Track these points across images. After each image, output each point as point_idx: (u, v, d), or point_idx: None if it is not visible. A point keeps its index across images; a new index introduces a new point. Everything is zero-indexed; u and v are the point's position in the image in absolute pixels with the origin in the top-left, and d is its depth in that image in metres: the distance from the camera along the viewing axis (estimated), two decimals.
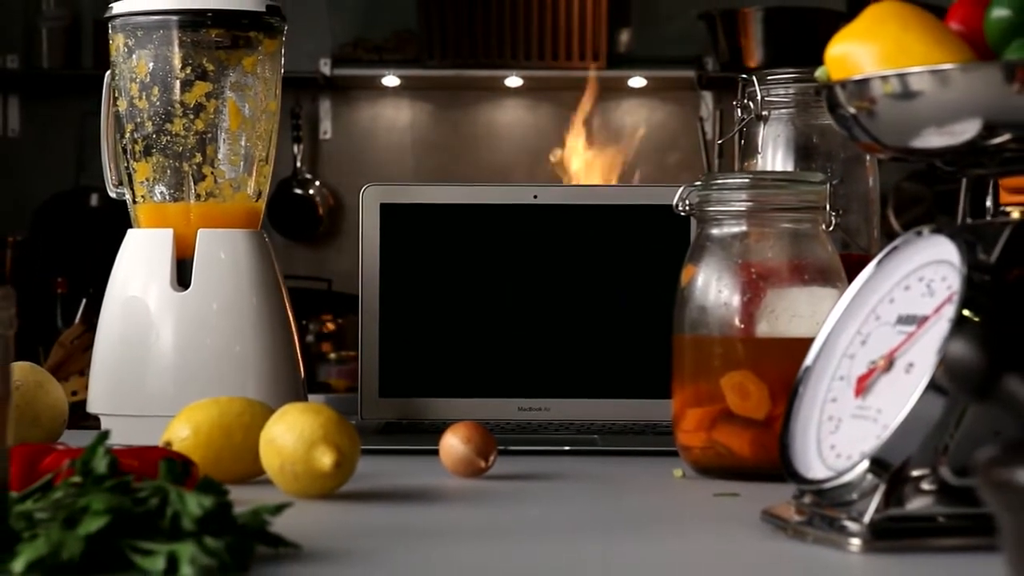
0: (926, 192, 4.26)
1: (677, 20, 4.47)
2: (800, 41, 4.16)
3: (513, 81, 4.44)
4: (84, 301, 3.15)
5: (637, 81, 4.47)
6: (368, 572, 0.91)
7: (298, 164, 4.46)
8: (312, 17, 4.35)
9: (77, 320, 3.14)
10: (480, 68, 4.37)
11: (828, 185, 1.32)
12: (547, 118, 4.54)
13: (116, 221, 4.61)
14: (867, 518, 0.96)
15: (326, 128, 4.54)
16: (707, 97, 4.45)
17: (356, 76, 4.45)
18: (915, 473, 0.96)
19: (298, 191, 4.46)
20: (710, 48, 4.38)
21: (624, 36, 4.53)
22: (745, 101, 1.52)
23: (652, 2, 4.53)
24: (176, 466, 0.93)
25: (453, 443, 1.28)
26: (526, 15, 4.34)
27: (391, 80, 4.45)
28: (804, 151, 1.52)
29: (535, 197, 1.66)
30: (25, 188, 4.38)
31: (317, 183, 4.52)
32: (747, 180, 1.32)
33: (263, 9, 1.52)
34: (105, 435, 0.96)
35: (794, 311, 1.29)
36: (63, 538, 0.86)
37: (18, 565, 0.85)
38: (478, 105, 4.56)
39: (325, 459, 1.15)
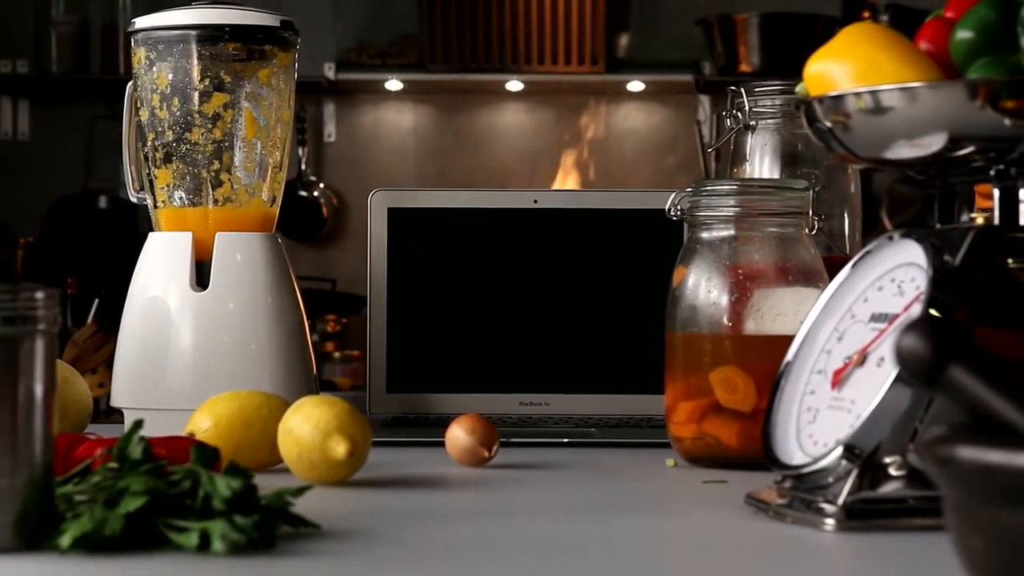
0: (918, 195, 4.34)
1: (675, 25, 4.54)
2: (796, 46, 4.23)
3: (514, 85, 4.52)
4: (96, 301, 3.23)
5: (636, 85, 4.55)
6: (381, 549, 0.99)
7: (303, 167, 4.54)
8: (316, 23, 4.42)
9: (89, 320, 3.21)
10: (481, 72, 4.44)
11: (811, 191, 1.40)
12: (547, 122, 4.62)
13: (123, 223, 4.69)
14: (841, 500, 1.04)
15: (330, 131, 4.62)
16: (704, 101, 4.52)
17: (359, 80, 4.52)
18: (885, 459, 1.04)
19: (303, 193, 4.54)
20: (707, 53, 4.45)
21: (623, 41, 4.61)
22: (734, 111, 1.60)
23: (650, 8, 4.60)
24: (206, 451, 1.01)
25: (458, 434, 1.36)
26: (526, 20, 4.41)
27: (394, 84, 4.52)
28: (789, 159, 1.60)
29: (535, 202, 1.74)
30: (35, 190, 4.46)
31: (321, 185, 4.60)
32: (735, 187, 1.40)
33: (277, 24, 1.60)
34: (139, 424, 1.04)
35: (779, 310, 1.37)
36: (105, 516, 0.94)
37: (65, 540, 0.93)
38: (479, 109, 4.64)
39: (339, 448, 1.22)
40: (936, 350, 0.72)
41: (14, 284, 0.96)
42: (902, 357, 0.73)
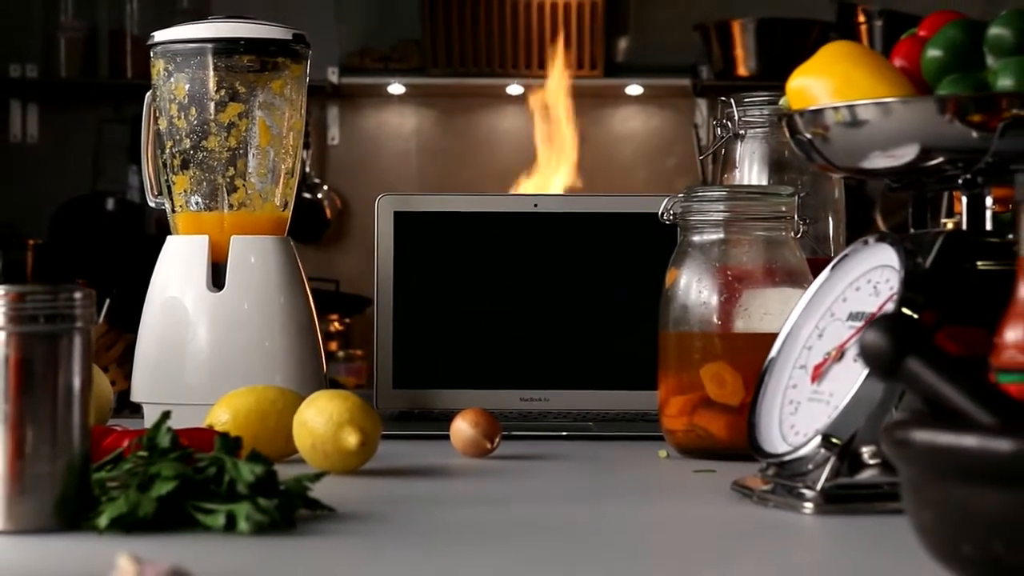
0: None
1: (673, 30, 4.61)
2: (791, 51, 4.30)
3: (514, 89, 4.59)
4: (108, 301, 3.30)
5: (634, 89, 4.62)
6: (391, 531, 1.06)
7: (307, 169, 4.61)
8: (320, 27, 4.48)
9: (101, 319, 3.28)
10: (482, 77, 4.51)
11: (797, 197, 1.47)
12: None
13: (131, 224, 4.75)
14: (819, 486, 1.12)
15: (334, 134, 4.69)
16: (702, 105, 4.59)
17: (362, 84, 4.59)
18: (861, 447, 1.12)
19: (306, 195, 4.61)
20: (705, 57, 4.52)
21: (621, 46, 4.68)
22: (724, 121, 1.68)
23: (648, 13, 4.67)
24: (230, 440, 1.09)
25: (462, 426, 1.44)
26: (526, 25, 4.49)
27: (396, 88, 4.59)
28: (777, 165, 1.67)
29: (535, 206, 1.82)
30: (43, 192, 4.53)
31: (325, 187, 4.67)
32: (724, 193, 1.48)
33: (290, 37, 1.67)
34: (167, 415, 1.12)
35: (766, 309, 1.44)
36: (139, 499, 1.02)
37: (102, 521, 1.01)
38: (480, 112, 4.71)
39: (351, 439, 1.30)
40: (895, 345, 0.80)
41: (54, 285, 1.04)
42: (864, 351, 0.81)
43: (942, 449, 0.74)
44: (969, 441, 0.73)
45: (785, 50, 4.33)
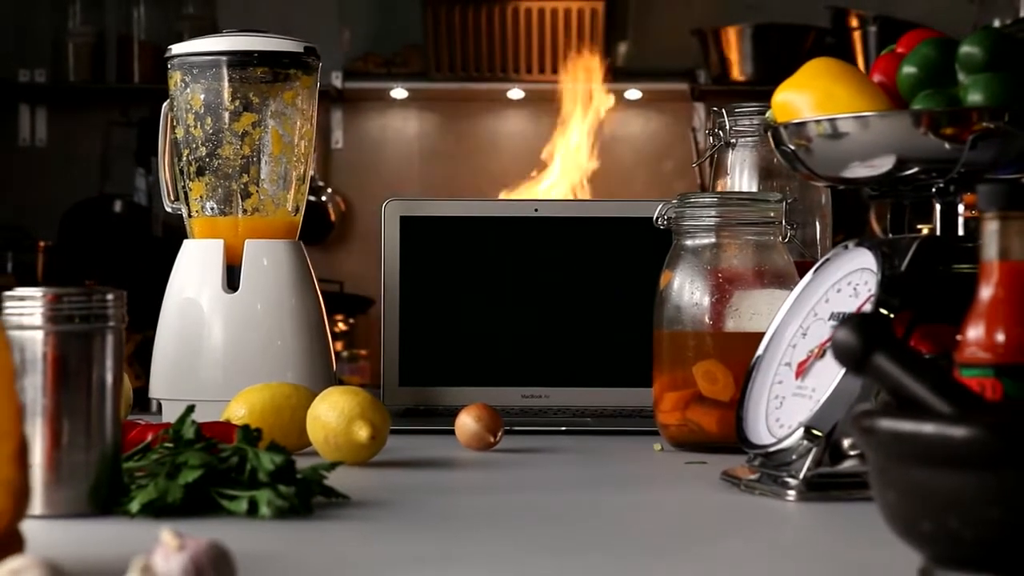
0: None
1: (671, 35, 4.67)
2: (787, 55, 4.36)
3: (515, 93, 4.65)
4: None
5: (633, 93, 4.68)
6: (401, 516, 1.14)
7: (311, 172, 4.67)
8: (324, 32, 4.55)
9: None
10: (484, 81, 4.57)
11: (785, 203, 1.55)
12: (547, 129, 4.75)
13: (138, 226, 4.80)
14: (802, 475, 1.20)
15: (337, 138, 4.75)
16: (699, 108, 4.65)
17: (366, 89, 4.65)
18: (841, 439, 1.20)
19: (311, 197, 4.66)
20: (702, 62, 4.59)
21: (621, 51, 4.75)
22: (716, 130, 1.75)
23: (647, 18, 4.74)
24: (250, 432, 1.17)
25: (466, 421, 1.51)
26: (527, 31, 4.55)
27: (399, 92, 4.66)
28: (766, 173, 1.74)
29: (536, 210, 1.89)
30: (53, 195, 4.59)
31: (329, 190, 4.74)
32: (716, 199, 1.55)
33: (301, 50, 1.75)
34: (192, 408, 1.19)
35: (755, 310, 1.51)
36: (167, 486, 1.09)
37: (134, 507, 1.09)
38: (482, 116, 4.77)
39: (362, 432, 1.37)
40: (863, 342, 0.87)
41: (88, 288, 1.12)
42: (835, 348, 0.89)
43: (904, 435, 0.81)
44: (928, 428, 0.80)
45: (781, 55, 4.39)
